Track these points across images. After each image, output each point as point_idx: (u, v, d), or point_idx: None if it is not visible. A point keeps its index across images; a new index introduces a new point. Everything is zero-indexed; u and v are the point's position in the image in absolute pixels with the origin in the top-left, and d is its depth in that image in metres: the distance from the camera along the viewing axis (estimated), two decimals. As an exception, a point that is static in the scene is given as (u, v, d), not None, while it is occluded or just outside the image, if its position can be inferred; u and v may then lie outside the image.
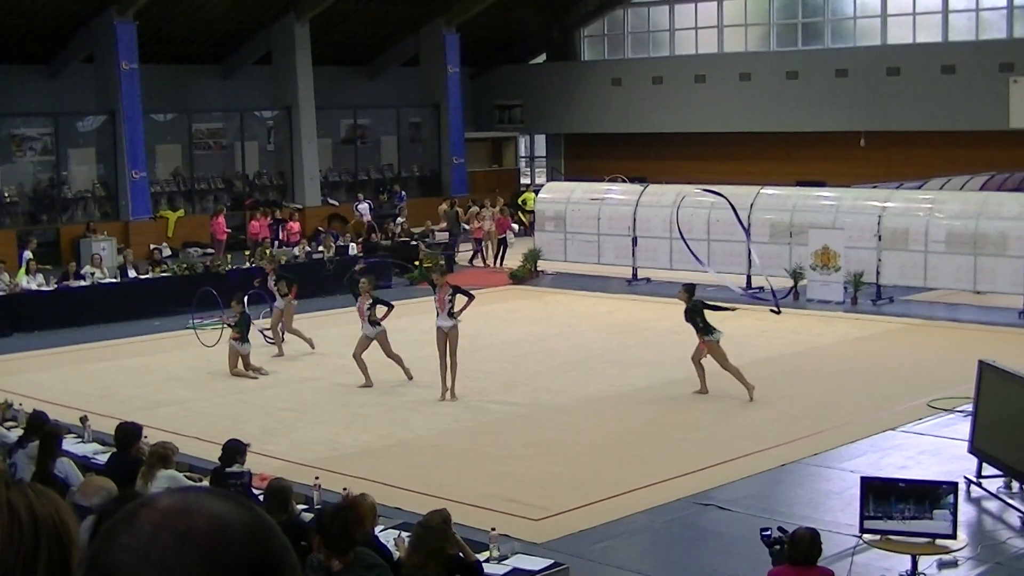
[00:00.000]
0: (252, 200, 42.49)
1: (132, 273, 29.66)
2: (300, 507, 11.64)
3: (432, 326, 20.65)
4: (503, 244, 36.67)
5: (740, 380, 19.61)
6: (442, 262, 34.25)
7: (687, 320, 19.99)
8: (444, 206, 40.07)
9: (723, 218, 30.52)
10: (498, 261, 36.03)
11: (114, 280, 29.26)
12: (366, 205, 41.01)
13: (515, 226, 37.92)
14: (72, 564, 1.96)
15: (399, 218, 39.57)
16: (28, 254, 30.34)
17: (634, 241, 32.11)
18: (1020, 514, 13.90)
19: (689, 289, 20.37)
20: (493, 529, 11.09)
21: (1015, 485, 14.44)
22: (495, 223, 37.13)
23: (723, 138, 45.49)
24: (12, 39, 38.62)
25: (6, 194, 38.92)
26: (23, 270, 29.05)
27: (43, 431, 12.49)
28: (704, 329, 19.69)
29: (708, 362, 19.82)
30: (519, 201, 44.60)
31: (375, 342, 20.97)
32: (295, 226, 38.00)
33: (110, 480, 9.18)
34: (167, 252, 37.14)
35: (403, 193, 43.32)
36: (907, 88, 41.26)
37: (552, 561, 10.97)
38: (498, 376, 21.72)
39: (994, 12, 41.31)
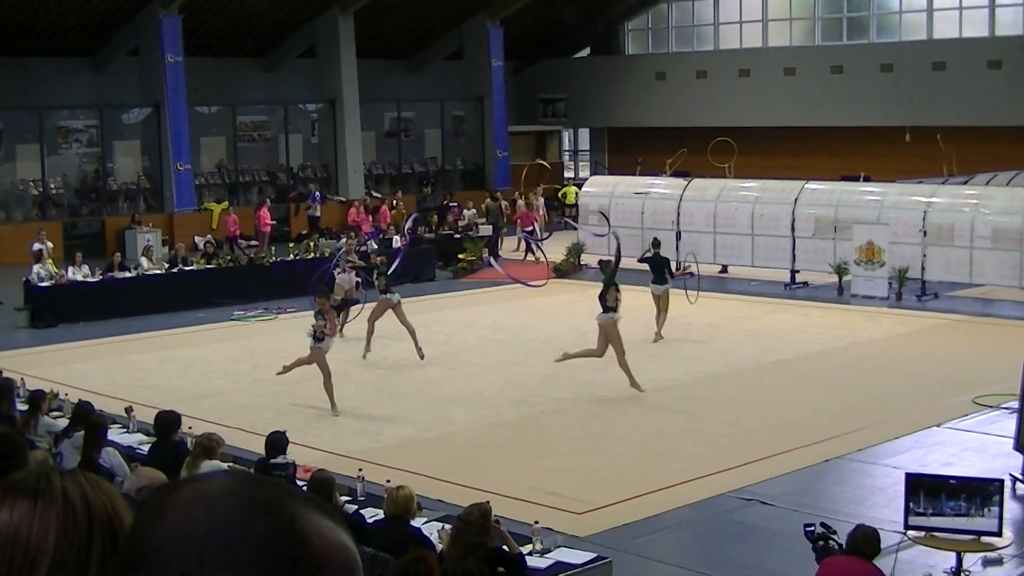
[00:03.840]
0: (295, 193, 42.62)
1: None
2: (343, 499, 11.68)
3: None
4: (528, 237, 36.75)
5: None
6: (484, 253, 34.37)
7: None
8: (488, 202, 40.04)
9: (767, 213, 30.48)
10: (527, 254, 36.13)
11: (159, 271, 29.38)
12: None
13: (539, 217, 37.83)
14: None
15: (316, 215, 39.93)
16: (37, 246, 30.31)
17: (678, 235, 32.02)
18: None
19: None
20: (536, 522, 11.08)
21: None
22: (519, 217, 37.12)
23: (767, 133, 45.30)
24: (58, 32, 38.91)
25: (52, 186, 39.20)
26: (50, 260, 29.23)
27: (88, 421, 12.56)
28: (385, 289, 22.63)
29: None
30: (559, 195, 44.57)
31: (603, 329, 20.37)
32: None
33: (160, 471, 9.24)
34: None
35: (317, 193, 41.74)
36: (953, 83, 40.99)
37: (595, 555, 10.96)
38: (540, 370, 21.71)
39: (1042, 6, 41.00)
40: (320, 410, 19.16)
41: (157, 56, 38.77)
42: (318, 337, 18.79)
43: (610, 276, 19.99)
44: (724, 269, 31.83)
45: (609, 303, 19.72)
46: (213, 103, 43.07)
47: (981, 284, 27.94)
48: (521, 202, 38.07)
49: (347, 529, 1.66)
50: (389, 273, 23.20)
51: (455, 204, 40.75)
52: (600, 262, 21.01)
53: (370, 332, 22.83)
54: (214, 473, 1.78)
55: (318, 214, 40.17)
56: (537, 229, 37.07)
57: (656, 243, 25.49)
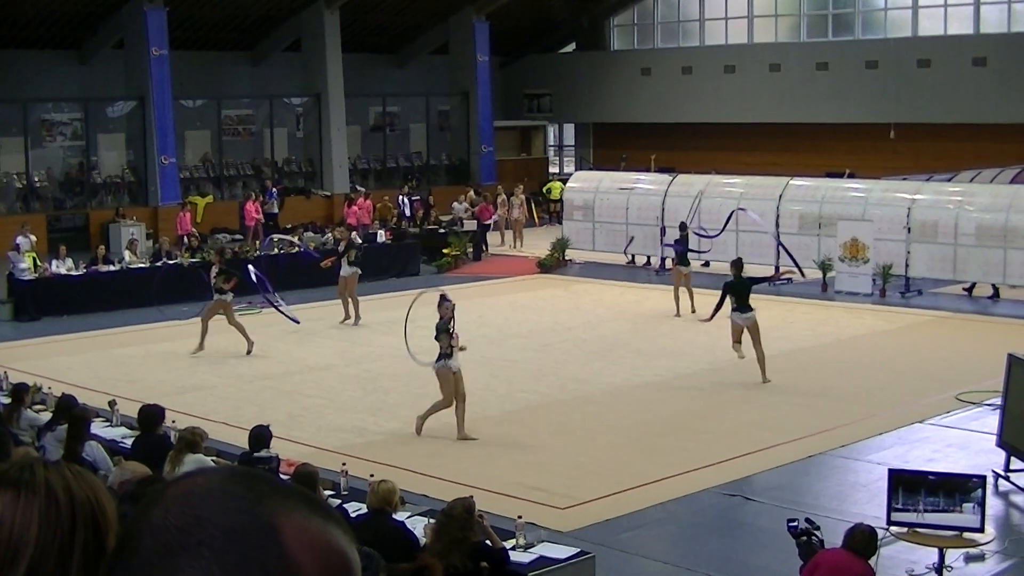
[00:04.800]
0: (280, 187, 42.55)
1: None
2: (327, 493, 11.67)
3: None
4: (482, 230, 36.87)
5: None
6: (470, 249, 34.40)
7: None
8: (472, 196, 40.02)
9: (752, 209, 30.50)
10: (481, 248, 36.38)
11: (143, 265, 29.31)
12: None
13: (511, 213, 37.90)
14: (108, 547, 1.96)
15: (274, 211, 39.82)
16: (20, 239, 30.16)
17: (662, 231, 32.01)
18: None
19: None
20: (519, 517, 11.09)
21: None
22: (479, 211, 37.15)
23: (752, 129, 45.37)
24: (43, 25, 38.79)
25: (36, 179, 39.10)
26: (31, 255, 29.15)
27: (71, 415, 12.55)
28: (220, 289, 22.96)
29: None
30: (543, 190, 44.62)
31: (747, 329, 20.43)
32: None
33: (143, 465, 9.23)
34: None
35: (274, 190, 41.16)
36: (938, 80, 41.06)
37: (578, 550, 10.97)
38: (525, 365, 21.72)
39: (1026, 4, 41.06)
40: (304, 404, 19.16)
41: (142, 49, 38.65)
42: (445, 354, 17.13)
43: (750, 277, 20.48)
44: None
45: (748, 303, 20.08)
46: (198, 97, 42.98)
47: (965, 281, 28.00)
48: (502, 197, 38.12)
49: (345, 529, 1.63)
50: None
51: (417, 197, 40.81)
52: (734, 263, 20.78)
53: (204, 331, 23.06)
54: (210, 469, 1.78)
55: (276, 211, 39.93)
56: (494, 222, 37.23)
57: (683, 226, 27.44)
